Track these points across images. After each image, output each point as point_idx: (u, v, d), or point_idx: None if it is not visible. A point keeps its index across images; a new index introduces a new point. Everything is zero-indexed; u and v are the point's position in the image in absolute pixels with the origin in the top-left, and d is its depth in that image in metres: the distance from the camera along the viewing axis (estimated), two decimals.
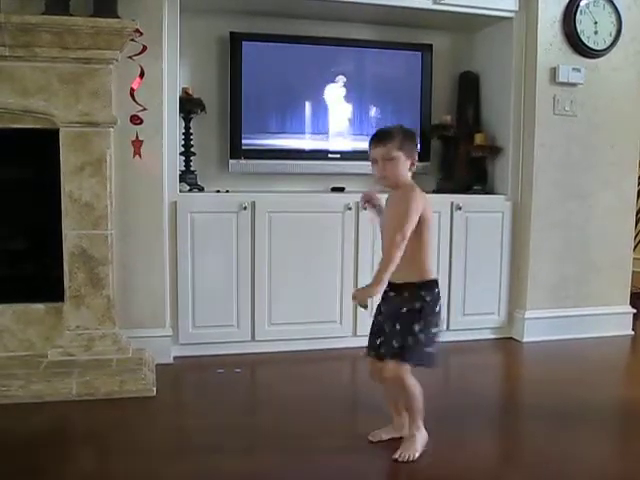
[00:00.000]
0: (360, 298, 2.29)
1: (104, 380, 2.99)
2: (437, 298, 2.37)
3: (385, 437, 2.54)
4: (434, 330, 2.35)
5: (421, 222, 2.31)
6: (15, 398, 2.86)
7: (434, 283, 2.38)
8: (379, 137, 2.39)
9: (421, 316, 2.33)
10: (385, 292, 2.39)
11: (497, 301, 4.06)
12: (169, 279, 3.50)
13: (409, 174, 2.39)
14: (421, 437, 2.43)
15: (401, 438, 2.47)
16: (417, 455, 2.39)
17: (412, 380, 2.38)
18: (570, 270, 4.07)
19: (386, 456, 2.39)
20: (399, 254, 2.24)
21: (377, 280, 2.25)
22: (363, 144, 3.98)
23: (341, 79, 3.98)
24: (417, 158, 2.41)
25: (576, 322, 4.05)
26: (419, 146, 3.98)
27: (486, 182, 4.19)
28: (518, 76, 3.98)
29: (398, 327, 2.34)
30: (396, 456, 2.38)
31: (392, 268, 2.25)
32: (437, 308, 2.37)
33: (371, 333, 2.48)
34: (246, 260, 3.62)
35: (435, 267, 2.47)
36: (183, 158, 3.69)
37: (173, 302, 3.54)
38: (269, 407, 2.96)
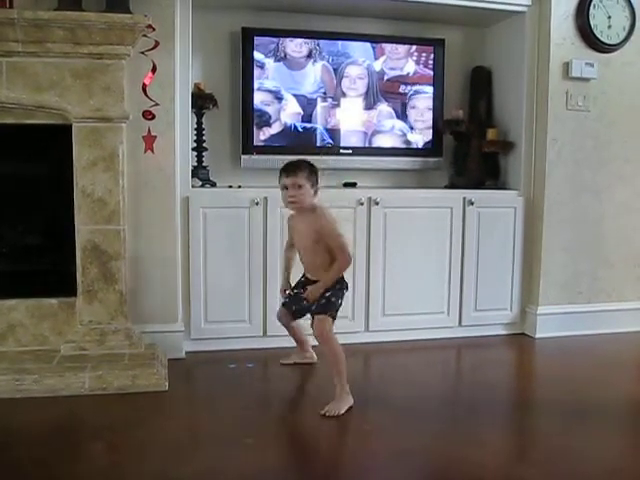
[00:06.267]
0: (314, 295, 2.91)
1: (117, 375, 3.00)
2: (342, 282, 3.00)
3: (296, 361, 3.40)
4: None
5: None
6: (28, 392, 2.88)
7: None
8: (289, 168, 2.92)
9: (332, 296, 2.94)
10: (304, 283, 3.08)
11: (509, 297, 4.04)
12: (181, 274, 3.51)
13: (315, 199, 2.96)
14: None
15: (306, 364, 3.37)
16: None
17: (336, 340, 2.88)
18: (583, 265, 4.05)
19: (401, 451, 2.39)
20: (350, 260, 2.94)
21: (329, 280, 2.91)
22: (375, 140, 4.03)
23: (353, 74, 3.98)
24: (318, 187, 2.97)
25: (589, 318, 4.03)
26: (431, 140, 4.08)
27: (498, 177, 4.18)
28: (531, 71, 3.96)
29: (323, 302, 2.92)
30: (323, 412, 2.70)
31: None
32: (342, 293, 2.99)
33: (288, 303, 3.23)
34: (258, 255, 3.62)
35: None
36: (195, 153, 3.70)
37: (185, 297, 3.55)
38: (281, 402, 2.96)
